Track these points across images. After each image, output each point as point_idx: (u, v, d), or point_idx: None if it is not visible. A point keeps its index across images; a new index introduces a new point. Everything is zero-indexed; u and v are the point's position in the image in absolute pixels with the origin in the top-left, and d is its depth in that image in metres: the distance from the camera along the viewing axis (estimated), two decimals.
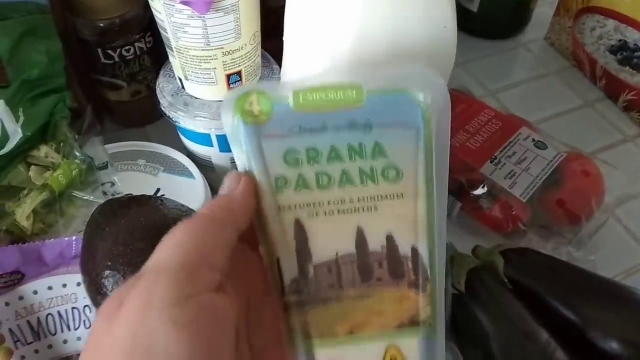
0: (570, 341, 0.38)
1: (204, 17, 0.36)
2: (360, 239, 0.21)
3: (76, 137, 0.42)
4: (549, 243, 0.46)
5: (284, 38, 0.34)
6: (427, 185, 0.21)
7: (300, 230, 0.21)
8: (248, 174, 0.21)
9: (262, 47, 0.45)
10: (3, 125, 0.38)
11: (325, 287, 0.21)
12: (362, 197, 0.21)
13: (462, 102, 0.51)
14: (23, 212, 0.37)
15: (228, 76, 0.41)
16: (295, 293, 0.21)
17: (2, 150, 0.38)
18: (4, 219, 0.38)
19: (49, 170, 0.39)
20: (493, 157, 0.47)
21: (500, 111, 0.51)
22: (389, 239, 0.21)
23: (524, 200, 0.45)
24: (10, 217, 0.38)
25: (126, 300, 0.19)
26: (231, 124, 0.21)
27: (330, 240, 0.21)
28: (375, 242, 0.21)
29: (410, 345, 0.21)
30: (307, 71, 0.31)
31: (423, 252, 0.21)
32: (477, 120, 0.49)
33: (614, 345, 0.38)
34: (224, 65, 0.40)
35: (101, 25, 0.47)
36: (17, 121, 0.39)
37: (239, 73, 0.42)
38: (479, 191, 0.46)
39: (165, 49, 0.44)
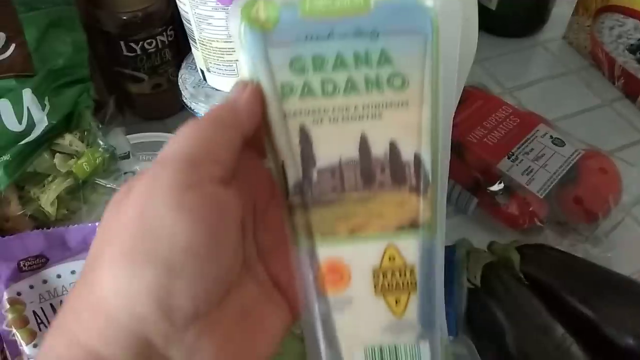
0: (586, 337, 0.38)
1: (228, 9, 0.37)
2: (364, 145, 0.22)
3: (99, 126, 0.43)
4: (565, 240, 0.46)
5: None
6: (432, 93, 0.21)
7: (305, 136, 0.22)
8: (254, 81, 0.22)
9: None
10: (29, 113, 0.39)
11: (328, 190, 0.22)
12: (366, 104, 0.21)
13: (479, 99, 0.51)
14: (48, 198, 0.38)
15: None
16: (299, 195, 0.22)
17: (28, 138, 0.39)
18: (29, 204, 0.39)
19: (73, 158, 0.40)
20: (510, 153, 0.47)
21: (518, 108, 0.51)
22: (392, 145, 0.21)
23: (541, 197, 0.45)
24: (35, 203, 0.39)
25: (134, 188, 0.20)
26: (238, 32, 0.21)
27: (334, 146, 0.22)
28: (379, 149, 0.22)
29: (409, 245, 0.22)
30: None
31: (426, 158, 0.21)
32: (495, 117, 0.49)
33: (629, 341, 0.38)
34: None
35: (124, 18, 0.48)
36: (43, 109, 0.40)
37: None
38: (496, 187, 0.46)
39: (186, 42, 0.45)
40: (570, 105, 0.59)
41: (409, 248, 0.22)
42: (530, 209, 0.45)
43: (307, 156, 0.22)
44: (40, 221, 0.39)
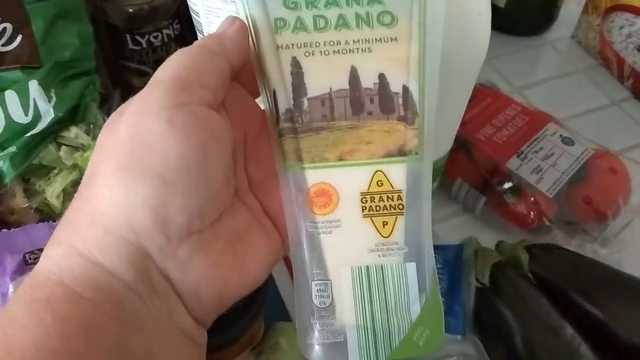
0: (594, 337, 0.38)
1: (236, 1, 0.36)
2: (354, 76, 0.23)
3: (105, 119, 0.43)
4: (574, 240, 0.45)
5: None
6: (420, 29, 0.22)
7: (296, 67, 0.23)
8: (247, 17, 0.23)
9: None
10: (36, 105, 0.39)
11: (318, 118, 0.23)
12: (357, 39, 0.22)
13: (488, 96, 0.51)
14: (53, 191, 0.38)
15: None
16: (289, 121, 0.23)
17: (34, 130, 0.38)
18: (34, 197, 0.38)
19: (79, 151, 0.40)
20: (520, 152, 0.47)
21: (527, 106, 0.51)
22: (381, 77, 0.22)
23: (551, 196, 0.45)
24: (40, 196, 0.38)
25: (126, 109, 0.21)
26: None
27: (324, 77, 0.23)
28: (368, 80, 0.22)
29: (397, 171, 0.22)
30: None
31: (413, 89, 0.22)
32: (504, 115, 0.49)
33: (637, 341, 0.37)
34: None
35: (130, 10, 0.48)
36: (49, 101, 0.39)
37: None
38: (505, 186, 0.46)
39: (192, 36, 0.45)
40: (579, 105, 0.59)
41: (397, 173, 0.22)
42: (539, 208, 0.45)
43: (298, 85, 0.22)
44: (46, 214, 0.39)
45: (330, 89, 0.23)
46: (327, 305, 0.22)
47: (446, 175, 0.48)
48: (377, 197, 0.22)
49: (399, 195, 0.22)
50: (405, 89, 0.22)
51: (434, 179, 0.44)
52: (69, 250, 0.19)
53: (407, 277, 0.22)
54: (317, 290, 0.22)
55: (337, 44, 0.22)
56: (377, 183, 0.22)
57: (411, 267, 0.22)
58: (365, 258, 0.22)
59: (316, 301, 0.22)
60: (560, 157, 0.46)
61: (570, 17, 0.66)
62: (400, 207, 0.22)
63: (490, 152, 0.47)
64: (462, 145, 0.47)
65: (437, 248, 0.44)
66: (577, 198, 0.45)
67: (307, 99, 0.23)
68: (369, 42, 0.22)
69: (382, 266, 0.22)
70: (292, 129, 0.23)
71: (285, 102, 0.23)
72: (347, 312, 0.22)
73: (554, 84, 0.61)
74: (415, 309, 0.22)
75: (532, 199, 0.45)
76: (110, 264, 0.19)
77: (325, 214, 0.22)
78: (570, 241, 0.45)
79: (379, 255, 0.22)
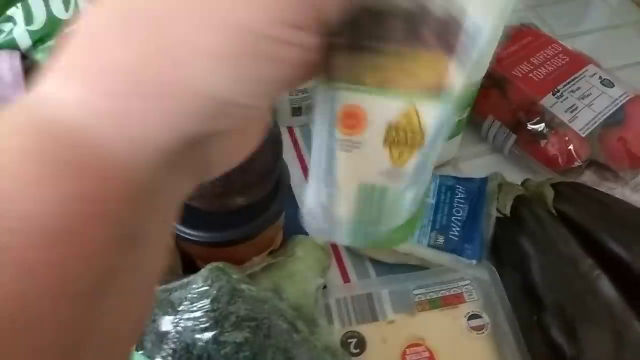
0: (618, 276, 0.37)
1: None
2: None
3: None
4: (604, 182, 0.44)
5: None
6: None
7: None
8: None
9: None
10: (77, 1, 0.40)
11: (368, 37, 0.21)
12: None
13: (528, 35, 0.49)
14: None
15: None
16: (335, 35, 0.21)
17: None
18: None
19: None
20: (556, 90, 0.45)
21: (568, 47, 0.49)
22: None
23: (583, 135, 0.44)
24: None
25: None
26: None
27: None
28: (435, 6, 0.21)
29: (429, 111, 0.22)
30: None
31: (472, 27, 0.21)
32: (543, 54, 0.48)
33: None
34: None
35: None
36: None
37: None
38: (537, 124, 0.45)
39: None
40: (623, 57, 0.56)
41: (429, 114, 0.22)
42: (570, 147, 0.44)
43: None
44: None
45: (390, 7, 0.21)
46: (330, 203, 0.24)
47: (477, 113, 0.47)
48: (402, 131, 0.22)
49: (422, 134, 0.22)
50: (470, 26, 0.21)
51: (464, 109, 0.43)
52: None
53: (405, 200, 0.24)
54: (326, 194, 0.24)
55: None
56: (407, 118, 0.22)
57: (410, 192, 0.23)
58: (374, 178, 0.23)
59: (322, 199, 0.24)
60: (597, 98, 0.45)
61: None
62: (421, 145, 0.22)
63: (526, 88, 0.46)
64: (496, 82, 0.46)
65: (460, 180, 0.44)
66: (612, 139, 0.44)
67: (364, 14, 0.21)
68: None
69: (386, 187, 0.23)
70: (339, 44, 0.22)
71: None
72: (345, 208, 0.24)
73: (600, 35, 0.59)
74: (401, 220, 0.24)
75: (565, 137, 0.44)
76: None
77: (348, 135, 0.23)
78: (600, 183, 0.44)
79: (386, 178, 0.23)
